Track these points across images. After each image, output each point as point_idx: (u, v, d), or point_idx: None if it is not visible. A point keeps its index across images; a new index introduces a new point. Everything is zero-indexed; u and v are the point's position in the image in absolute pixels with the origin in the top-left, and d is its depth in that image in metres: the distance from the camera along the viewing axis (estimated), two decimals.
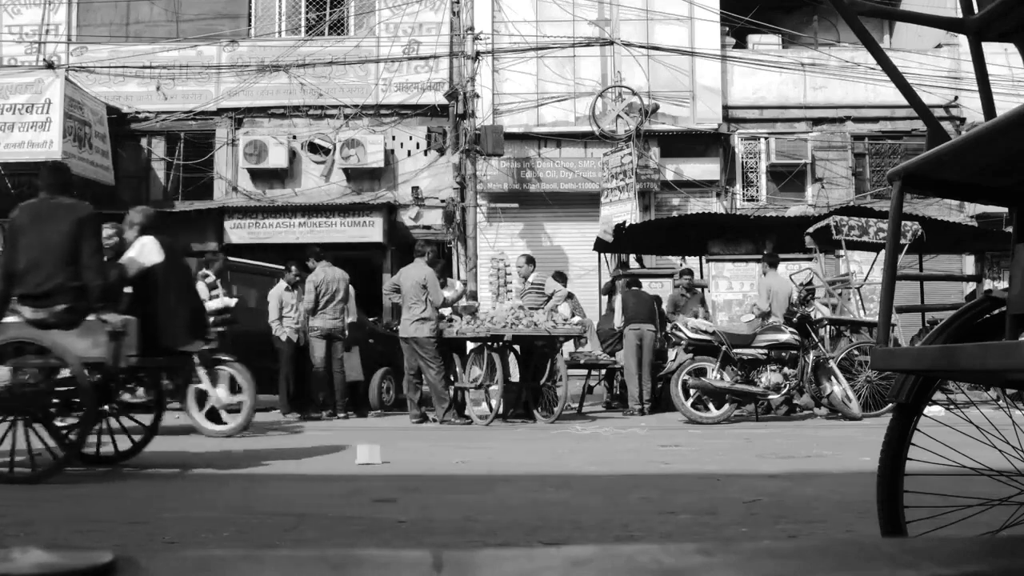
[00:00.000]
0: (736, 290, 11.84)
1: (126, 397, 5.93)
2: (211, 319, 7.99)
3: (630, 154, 13.68)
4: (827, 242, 10.48)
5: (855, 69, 14.46)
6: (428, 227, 14.76)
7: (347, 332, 9.78)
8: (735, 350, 8.48)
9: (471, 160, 14.35)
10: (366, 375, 10.46)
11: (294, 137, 15.12)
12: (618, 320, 9.98)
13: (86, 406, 4.64)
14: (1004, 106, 1.36)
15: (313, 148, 15.06)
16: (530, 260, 10.22)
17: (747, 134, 15.21)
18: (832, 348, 8.99)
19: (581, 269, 13.94)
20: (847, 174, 15.21)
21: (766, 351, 8.50)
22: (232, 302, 8.87)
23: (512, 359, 9.10)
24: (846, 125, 15.19)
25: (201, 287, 8.39)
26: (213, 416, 7.33)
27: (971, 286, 13.67)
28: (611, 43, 14.80)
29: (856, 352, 8.84)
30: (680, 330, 8.75)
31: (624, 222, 12.91)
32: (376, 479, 4.72)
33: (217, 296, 8.66)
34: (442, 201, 14.77)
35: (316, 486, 4.48)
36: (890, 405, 1.83)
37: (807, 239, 10.55)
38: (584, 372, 10.50)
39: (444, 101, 14.65)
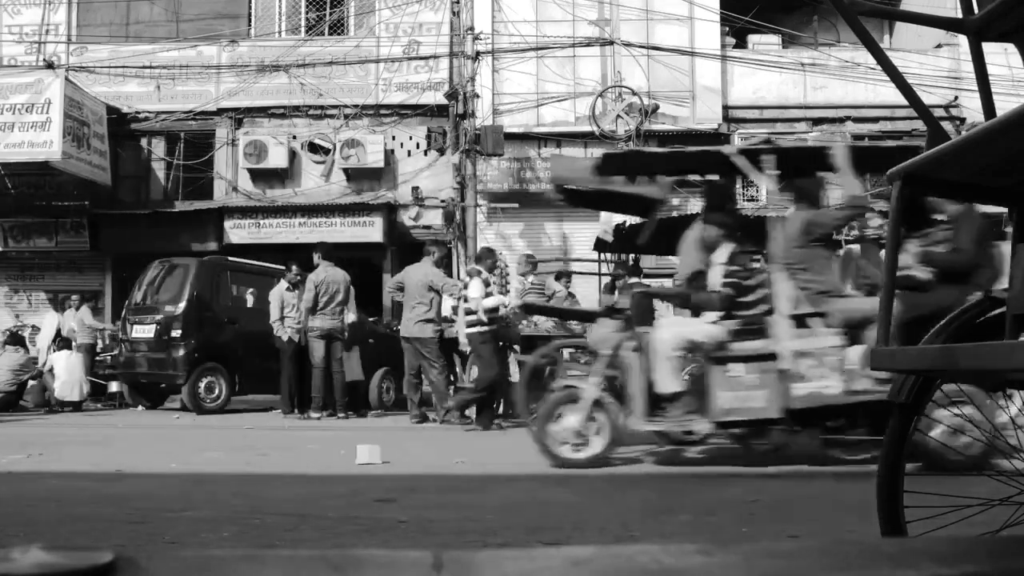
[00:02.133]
0: None
1: None
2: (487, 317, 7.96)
3: None
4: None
5: (855, 69, 14.46)
6: (428, 227, 14.75)
7: (347, 332, 9.78)
8: None
9: (471, 160, 14.35)
10: (366, 375, 10.46)
11: (294, 137, 15.12)
12: None
13: None
14: (1004, 106, 1.36)
15: (313, 148, 15.06)
16: (531, 260, 10.21)
17: (747, 134, 15.19)
18: None
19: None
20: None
21: None
22: (507, 299, 8.77)
23: (512, 359, 9.10)
24: (846, 125, 15.18)
25: (477, 284, 8.18)
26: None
27: None
28: (611, 43, 14.79)
29: None
30: None
31: (624, 222, 12.89)
32: (376, 479, 4.72)
33: (491, 293, 8.38)
34: (442, 201, 14.77)
35: (316, 486, 4.48)
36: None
37: None
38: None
39: (444, 101, 14.65)
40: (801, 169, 5.56)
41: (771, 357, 4.87)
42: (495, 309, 8.10)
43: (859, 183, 5.01)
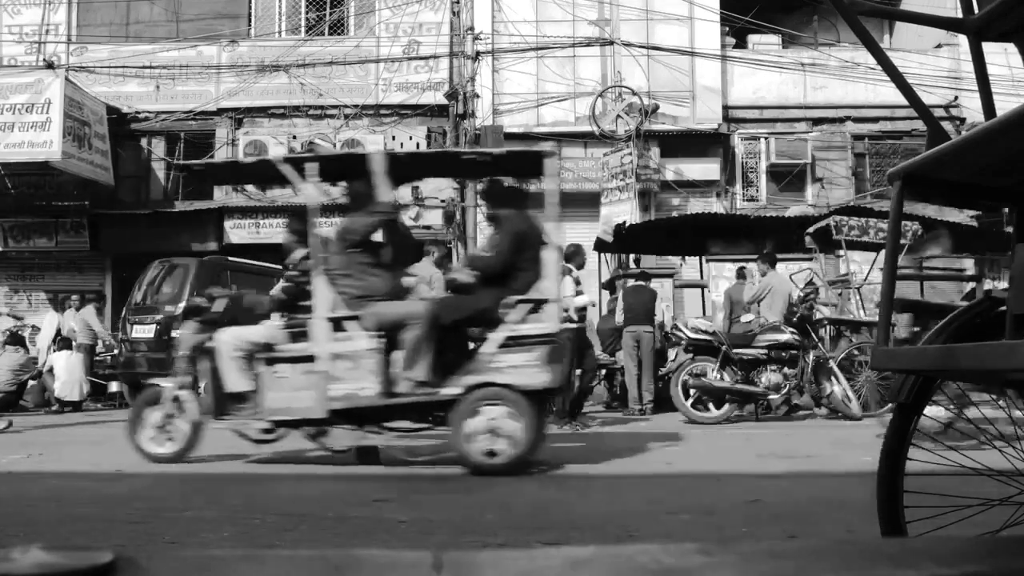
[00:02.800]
0: None
1: None
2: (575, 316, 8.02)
3: (630, 154, 13.67)
4: (827, 242, 10.47)
5: (855, 69, 14.46)
6: (428, 227, 14.74)
7: None
8: (735, 350, 8.47)
9: None
10: None
11: (294, 137, 15.11)
12: (619, 319, 9.95)
13: None
14: (1004, 106, 1.36)
15: (313, 148, 15.05)
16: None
17: (747, 134, 15.20)
18: (832, 348, 8.98)
19: None
20: (847, 174, 15.20)
21: (766, 351, 8.50)
22: (594, 299, 8.76)
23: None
24: (846, 125, 15.19)
25: (568, 282, 8.09)
26: None
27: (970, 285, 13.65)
28: (611, 43, 14.79)
29: (856, 352, 8.84)
30: (680, 330, 8.75)
31: (624, 222, 12.90)
32: (376, 479, 4.72)
33: (581, 292, 8.38)
34: (442, 201, 14.76)
35: (316, 486, 4.48)
36: (890, 405, 1.82)
37: (807, 239, 10.54)
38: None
39: (444, 101, 14.65)
40: (345, 175, 5.75)
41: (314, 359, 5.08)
42: (584, 308, 8.11)
43: (390, 189, 5.27)
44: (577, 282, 8.31)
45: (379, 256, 5.35)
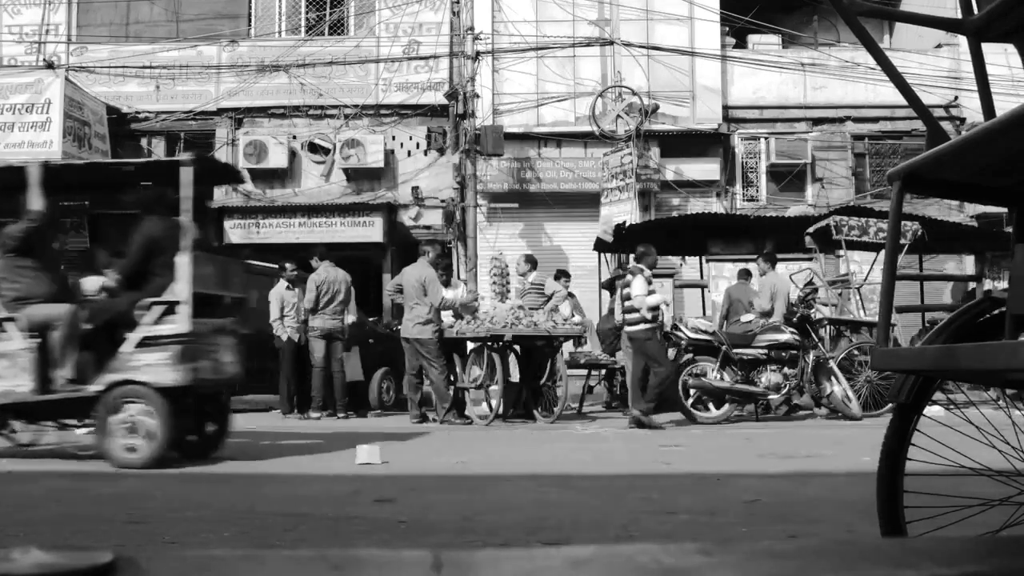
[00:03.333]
0: None
1: None
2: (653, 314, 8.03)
3: (630, 154, 13.66)
4: (827, 242, 10.47)
5: (855, 69, 14.45)
6: (428, 227, 14.75)
7: (347, 332, 9.78)
8: (735, 350, 8.48)
9: (471, 160, 14.34)
10: (366, 375, 10.46)
11: (294, 137, 15.11)
12: (618, 318, 9.95)
13: None
14: (1004, 106, 1.36)
15: (313, 148, 15.05)
16: (530, 260, 10.20)
17: (747, 134, 15.19)
18: (832, 348, 8.99)
19: (581, 269, 13.93)
20: (847, 174, 15.20)
21: (766, 351, 8.50)
22: (669, 297, 8.70)
23: (512, 359, 9.10)
24: (846, 125, 15.18)
25: (640, 281, 8.07)
26: None
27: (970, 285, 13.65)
28: (611, 43, 14.78)
29: (856, 352, 8.84)
30: (680, 330, 8.75)
31: (624, 222, 12.89)
32: (376, 479, 4.72)
33: (654, 291, 8.26)
34: (442, 201, 14.76)
35: (316, 486, 4.48)
36: (890, 405, 1.83)
37: (807, 239, 10.54)
38: (584, 372, 10.49)
39: (444, 101, 14.64)
40: (16, 186, 5.95)
41: None
42: (657, 307, 8.09)
43: (42, 199, 5.61)
44: (649, 281, 8.23)
45: (40, 260, 5.67)
